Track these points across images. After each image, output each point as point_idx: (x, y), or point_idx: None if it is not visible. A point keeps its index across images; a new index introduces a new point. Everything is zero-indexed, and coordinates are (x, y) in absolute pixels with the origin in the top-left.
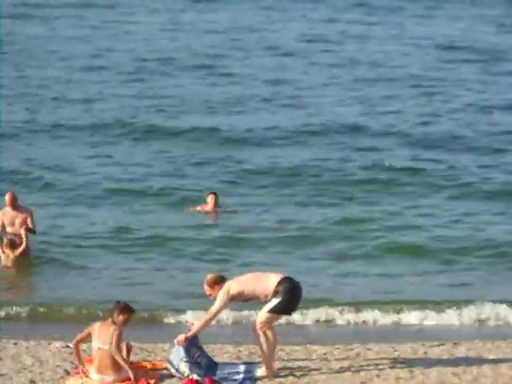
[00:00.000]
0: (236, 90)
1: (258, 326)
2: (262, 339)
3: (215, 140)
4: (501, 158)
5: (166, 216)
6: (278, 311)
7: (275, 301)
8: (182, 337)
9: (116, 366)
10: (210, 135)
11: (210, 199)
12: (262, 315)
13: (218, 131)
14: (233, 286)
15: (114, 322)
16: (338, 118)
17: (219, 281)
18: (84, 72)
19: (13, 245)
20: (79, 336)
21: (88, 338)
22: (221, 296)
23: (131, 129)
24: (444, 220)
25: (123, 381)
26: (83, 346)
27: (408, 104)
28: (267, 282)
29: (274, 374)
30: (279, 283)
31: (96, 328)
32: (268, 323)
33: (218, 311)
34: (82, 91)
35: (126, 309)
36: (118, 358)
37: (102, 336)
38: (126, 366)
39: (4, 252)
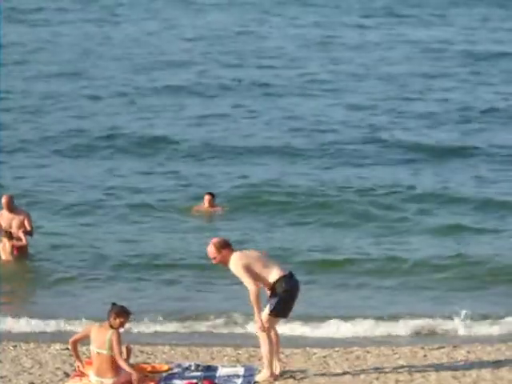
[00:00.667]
0: None
1: (261, 328)
2: (264, 341)
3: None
4: None
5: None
6: (276, 313)
7: (273, 301)
8: (259, 325)
9: (115, 370)
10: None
11: (206, 199)
12: (264, 317)
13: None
14: (241, 257)
15: (111, 326)
16: None
17: (227, 245)
18: None
19: (10, 235)
20: (76, 336)
21: (85, 340)
22: (238, 270)
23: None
24: None
25: (122, 383)
26: (81, 348)
27: None
28: (270, 272)
29: (274, 377)
30: (278, 280)
31: (93, 331)
32: (269, 325)
33: (250, 282)
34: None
35: (122, 312)
36: (121, 363)
37: (98, 340)
38: (129, 369)
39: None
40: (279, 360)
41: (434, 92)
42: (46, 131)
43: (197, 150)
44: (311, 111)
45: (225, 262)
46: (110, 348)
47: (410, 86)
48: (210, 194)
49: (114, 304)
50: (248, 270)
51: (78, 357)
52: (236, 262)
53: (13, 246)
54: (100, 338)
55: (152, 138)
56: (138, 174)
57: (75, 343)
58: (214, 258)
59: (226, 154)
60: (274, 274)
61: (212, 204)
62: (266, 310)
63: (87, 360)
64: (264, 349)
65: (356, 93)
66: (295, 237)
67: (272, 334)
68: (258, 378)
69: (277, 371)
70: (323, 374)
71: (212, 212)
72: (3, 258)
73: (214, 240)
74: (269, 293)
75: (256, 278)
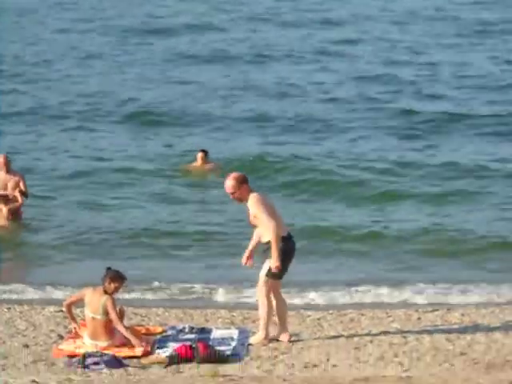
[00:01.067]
0: None
1: (278, 267)
2: (263, 303)
3: None
4: None
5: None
6: (273, 275)
7: (267, 264)
8: (276, 265)
9: (109, 333)
10: None
11: (199, 157)
12: (260, 278)
13: None
14: (263, 196)
15: (105, 291)
16: None
17: (246, 181)
18: None
19: (5, 199)
20: (70, 299)
21: (80, 303)
22: (259, 208)
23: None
24: None
25: (117, 346)
26: (75, 311)
27: None
28: (275, 225)
29: (268, 340)
30: (282, 241)
31: (88, 295)
32: (268, 287)
33: (273, 221)
34: None
35: (117, 277)
36: (120, 328)
37: (92, 305)
38: (128, 335)
39: None
40: (283, 326)
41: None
42: (40, 99)
43: (188, 120)
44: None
45: (241, 199)
46: (105, 313)
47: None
48: (203, 151)
49: (108, 268)
50: (267, 209)
51: (73, 319)
52: (257, 201)
53: (9, 211)
54: (94, 302)
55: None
56: (129, 140)
57: (70, 306)
58: (232, 194)
59: (216, 122)
60: (279, 232)
61: (205, 161)
62: (263, 272)
63: (82, 322)
64: (262, 311)
65: (346, 61)
66: (286, 204)
67: (273, 297)
68: (252, 340)
69: (284, 338)
70: (317, 337)
71: (206, 169)
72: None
73: (235, 174)
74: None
75: (264, 220)
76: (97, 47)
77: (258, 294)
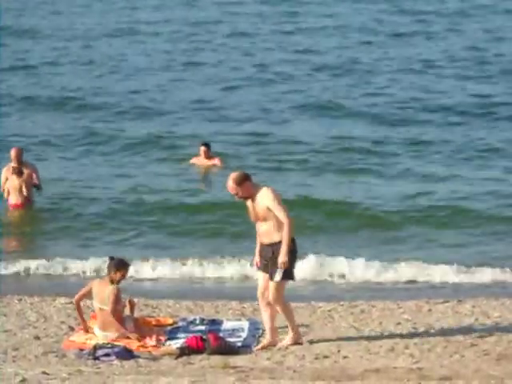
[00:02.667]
0: None
1: (272, 301)
2: (283, 310)
3: None
4: None
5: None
6: (288, 277)
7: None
8: (284, 260)
9: (119, 323)
10: None
11: (202, 151)
12: (272, 289)
13: None
14: (274, 190)
15: (112, 281)
16: None
17: (246, 178)
18: None
19: (20, 172)
20: (80, 294)
21: (90, 295)
22: (273, 202)
23: None
24: None
25: (127, 337)
26: (87, 303)
27: None
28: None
29: (300, 341)
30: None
31: (95, 286)
32: (278, 293)
33: (288, 215)
34: None
35: (121, 265)
36: (115, 320)
37: (100, 295)
38: (120, 329)
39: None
40: (272, 331)
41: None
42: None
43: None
44: None
45: (249, 196)
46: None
47: None
48: (206, 144)
49: (111, 258)
50: (281, 202)
51: (81, 316)
52: (269, 194)
53: (21, 187)
54: (101, 293)
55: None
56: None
57: (79, 302)
58: (236, 194)
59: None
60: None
61: (208, 155)
62: (278, 278)
63: (92, 314)
64: (286, 316)
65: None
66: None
67: (265, 305)
68: (284, 343)
69: (266, 341)
70: (328, 328)
71: (209, 164)
72: (13, 201)
73: (233, 174)
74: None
75: (270, 215)
76: None
77: (274, 303)
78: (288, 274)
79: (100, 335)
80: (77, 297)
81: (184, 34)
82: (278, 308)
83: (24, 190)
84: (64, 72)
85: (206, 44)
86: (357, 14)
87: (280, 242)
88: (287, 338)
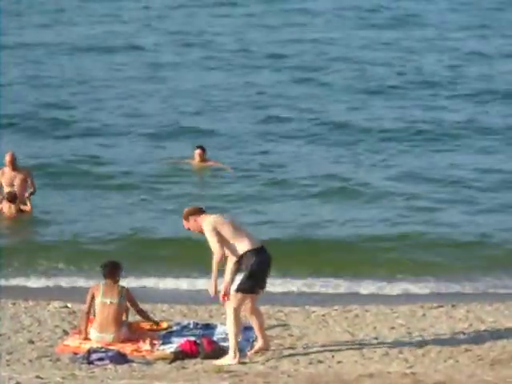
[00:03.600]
0: None
1: (228, 309)
2: (230, 320)
3: None
4: None
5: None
6: (244, 290)
7: (241, 277)
8: (211, 293)
9: (118, 323)
10: None
11: (197, 154)
12: (232, 295)
13: None
14: (213, 220)
15: (116, 281)
16: None
17: (193, 212)
18: None
19: (13, 197)
20: (87, 305)
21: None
22: (208, 233)
23: None
24: None
25: (122, 341)
26: (80, 307)
27: None
28: (240, 242)
29: (237, 361)
30: (247, 252)
31: (100, 287)
32: (237, 304)
33: (216, 247)
34: None
35: (117, 266)
36: (138, 311)
37: (110, 293)
38: (121, 329)
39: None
40: (263, 337)
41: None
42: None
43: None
44: None
45: (198, 230)
46: (123, 298)
47: None
48: (201, 147)
49: (104, 265)
50: (218, 234)
51: (85, 329)
52: (206, 225)
53: (17, 207)
54: (111, 291)
55: None
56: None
57: (89, 313)
58: (188, 229)
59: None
60: (243, 245)
61: (203, 158)
62: (234, 287)
63: (91, 318)
64: (229, 328)
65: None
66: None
67: (250, 313)
68: (219, 361)
69: (258, 345)
70: (322, 333)
71: (204, 167)
72: (7, 214)
73: (189, 209)
74: (234, 267)
75: (225, 245)
76: None
77: (228, 310)
78: (245, 289)
79: (96, 338)
80: (86, 309)
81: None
82: (227, 315)
83: (17, 213)
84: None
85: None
86: None
87: (241, 256)
88: (225, 357)
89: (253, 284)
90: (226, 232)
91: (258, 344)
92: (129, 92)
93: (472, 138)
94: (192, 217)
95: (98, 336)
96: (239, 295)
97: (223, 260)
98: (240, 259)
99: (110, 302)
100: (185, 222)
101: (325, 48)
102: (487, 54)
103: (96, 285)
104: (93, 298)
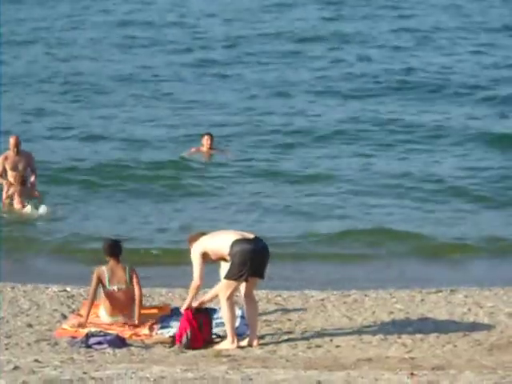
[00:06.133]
0: None
1: (220, 296)
2: (224, 308)
3: None
4: None
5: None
6: (230, 277)
7: (227, 265)
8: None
9: (129, 306)
10: None
11: (205, 140)
12: (220, 284)
13: None
14: (200, 243)
15: (119, 260)
16: None
17: (192, 239)
18: None
19: (23, 180)
20: (92, 291)
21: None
22: (193, 257)
23: None
24: None
25: (131, 323)
26: (79, 290)
27: None
28: (227, 242)
29: (237, 345)
30: (232, 244)
31: (106, 271)
32: (228, 291)
33: (196, 274)
34: None
35: (118, 241)
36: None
37: (117, 277)
38: (132, 312)
39: (9, 197)
40: (251, 332)
41: None
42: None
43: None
44: None
45: None
46: (131, 282)
47: None
48: (209, 134)
49: (107, 244)
50: (202, 258)
51: (87, 315)
52: (194, 249)
53: (24, 193)
54: (118, 274)
55: None
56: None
57: (93, 300)
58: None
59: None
60: (229, 239)
61: (211, 146)
62: (221, 276)
63: (96, 303)
64: (223, 315)
65: None
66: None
67: (243, 301)
68: (218, 346)
69: (254, 343)
70: (321, 318)
71: (212, 154)
72: (16, 206)
73: (190, 235)
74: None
75: (216, 257)
76: None
77: (221, 299)
78: (231, 276)
79: (108, 321)
80: (92, 295)
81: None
82: (221, 304)
83: (24, 201)
84: None
85: None
86: None
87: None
88: (224, 342)
89: (239, 271)
90: (215, 239)
91: (245, 340)
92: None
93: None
94: (191, 243)
95: (111, 319)
96: (225, 282)
97: (200, 288)
98: (229, 251)
99: (118, 289)
100: (188, 246)
101: None
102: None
103: (99, 269)
104: (98, 282)
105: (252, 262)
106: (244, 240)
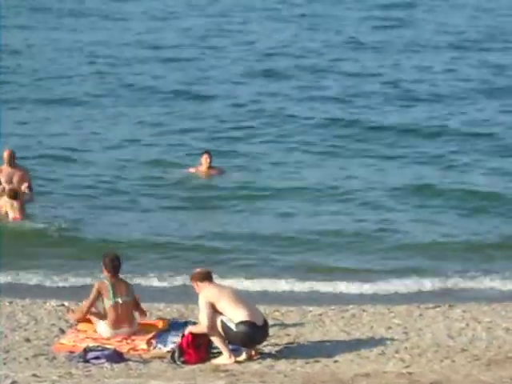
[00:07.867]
0: None
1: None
2: (212, 336)
3: None
4: None
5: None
6: (227, 333)
7: (225, 319)
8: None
9: (131, 318)
10: None
11: (204, 159)
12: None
13: None
14: (209, 292)
15: (118, 275)
16: None
17: (195, 278)
18: None
19: (16, 194)
20: (90, 303)
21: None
22: (200, 304)
23: None
24: None
25: (134, 333)
26: (77, 305)
27: None
28: (235, 312)
29: (234, 360)
30: (240, 323)
31: (108, 286)
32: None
33: (203, 321)
34: None
35: (119, 257)
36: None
37: (120, 290)
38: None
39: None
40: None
41: None
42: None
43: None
44: None
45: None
46: (133, 294)
47: None
48: (208, 152)
49: (110, 259)
50: (210, 307)
51: (84, 321)
52: (201, 297)
53: (21, 205)
54: (121, 287)
55: None
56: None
57: (88, 313)
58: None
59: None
60: (238, 315)
61: (210, 165)
62: (220, 318)
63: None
64: (214, 340)
65: None
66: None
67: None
68: (215, 360)
69: (253, 353)
70: (319, 332)
71: (210, 174)
72: (11, 216)
73: (194, 272)
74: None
75: (221, 315)
76: None
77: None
78: (228, 336)
79: (109, 334)
80: (88, 307)
81: None
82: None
83: (22, 211)
84: None
85: None
86: None
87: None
88: (221, 357)
89: (235, 342)
90: (224, 304)
91: (243, 354)
92: None
93: None
94: (194, 282)
95: (112, 332)
96: (220, 323)
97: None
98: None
99: (123, 301)
100: (193, 283)
101: None
102: None
103: (101, 283)
104: (98, 296)
105: (252, 344)
106: (253, 325)
